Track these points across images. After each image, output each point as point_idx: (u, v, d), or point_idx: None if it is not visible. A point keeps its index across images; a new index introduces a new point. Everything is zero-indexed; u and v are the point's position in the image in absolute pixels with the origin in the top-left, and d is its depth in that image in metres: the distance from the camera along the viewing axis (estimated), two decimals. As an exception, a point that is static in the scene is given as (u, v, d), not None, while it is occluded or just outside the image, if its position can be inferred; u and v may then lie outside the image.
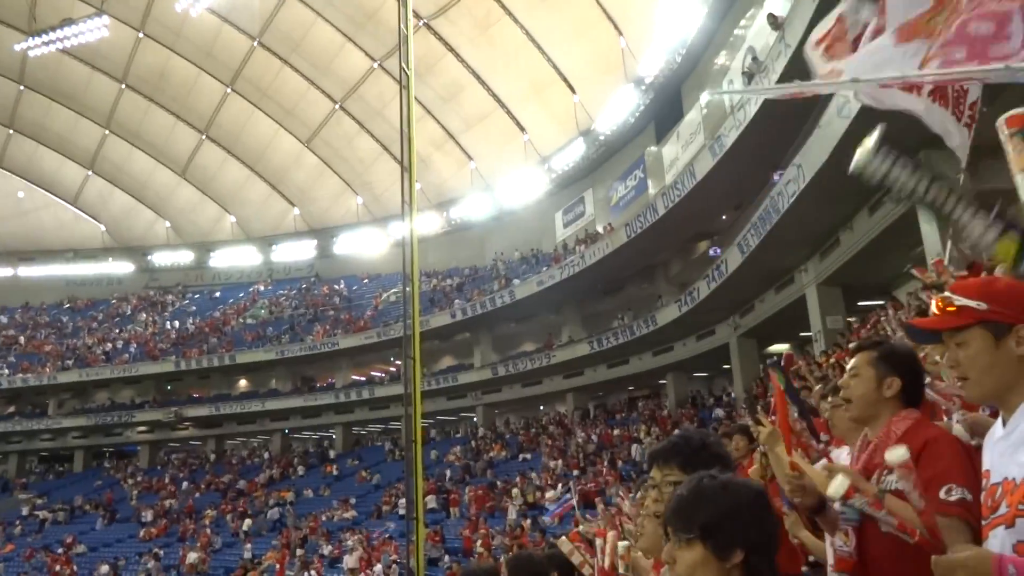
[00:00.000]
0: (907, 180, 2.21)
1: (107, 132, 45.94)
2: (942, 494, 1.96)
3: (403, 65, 14.69)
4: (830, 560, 3.08)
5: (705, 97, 25.44)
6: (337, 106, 41.19)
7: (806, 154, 15.63)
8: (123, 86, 43.30)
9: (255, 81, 41.31)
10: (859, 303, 19.44)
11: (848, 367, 2.56)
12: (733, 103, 18.87)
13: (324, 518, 27.62)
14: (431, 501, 24.48)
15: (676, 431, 2.86)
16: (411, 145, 16.07)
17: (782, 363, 3.43)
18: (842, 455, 3.20)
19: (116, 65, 42.16)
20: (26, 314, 48.18)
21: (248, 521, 28.81)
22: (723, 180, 20.44)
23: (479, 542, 20.68)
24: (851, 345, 2.75)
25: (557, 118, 35.54)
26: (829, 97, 14.57)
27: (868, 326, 14.74)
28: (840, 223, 17.16)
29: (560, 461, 25.85)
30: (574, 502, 9.70)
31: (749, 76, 19.61)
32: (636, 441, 24.64)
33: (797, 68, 15.61)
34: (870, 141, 2.34)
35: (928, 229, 13.54)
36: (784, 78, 15.99)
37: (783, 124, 17.09)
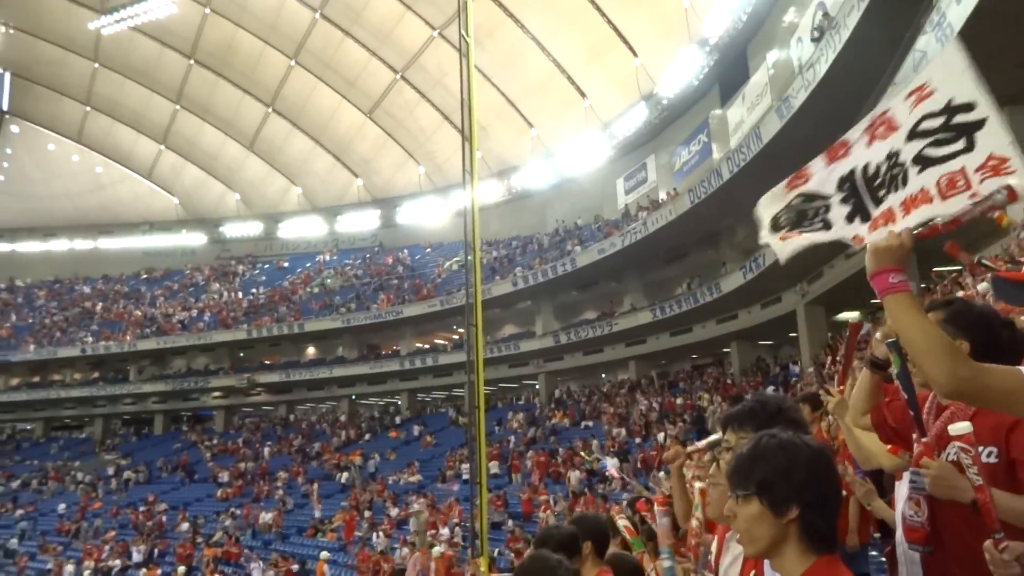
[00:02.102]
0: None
1: (178, 107, 47.25)
2: None
3: (463, 32, 14.65)
4: (900, 532, 3.03)
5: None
6: (398, 76, 41.37)
7: (879, 114, 14.99)
8: (192, 62, 44.35)
9: (318, 53, 41.78)
10: (934, 268, 18.74)
11: None
12: (802, 63, 18.22)
13: (390, 481, 28.36)
14: (494, 467, 24.86)
15: (749, 396, 2.84)
16: (471, 113, 16.06)
17: (878, 338, 3.28)
18: None
19: (184, 41, 43.19)
20: (106, 284, 50.36)
21: (318, 483, 29.79)
22: (791, 143, 19.80)
23: (541, 507, 20.95)
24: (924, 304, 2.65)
25: (618, 82, 34.95)
26: (903, 54, 13.96)
27: (944, 291, 14.21)
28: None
29: (623, 429, 25.87)
30: (613, 471, 9.81)
31: (820, 32, 18.87)
32: (699, 409, 24.47)
33: (871, 24, 14.96)
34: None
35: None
36: (857, 34, 15.36)
37: (855, 82, 16.43)
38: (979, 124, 2.19)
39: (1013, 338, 2.71)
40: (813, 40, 19.69)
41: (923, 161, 2.37)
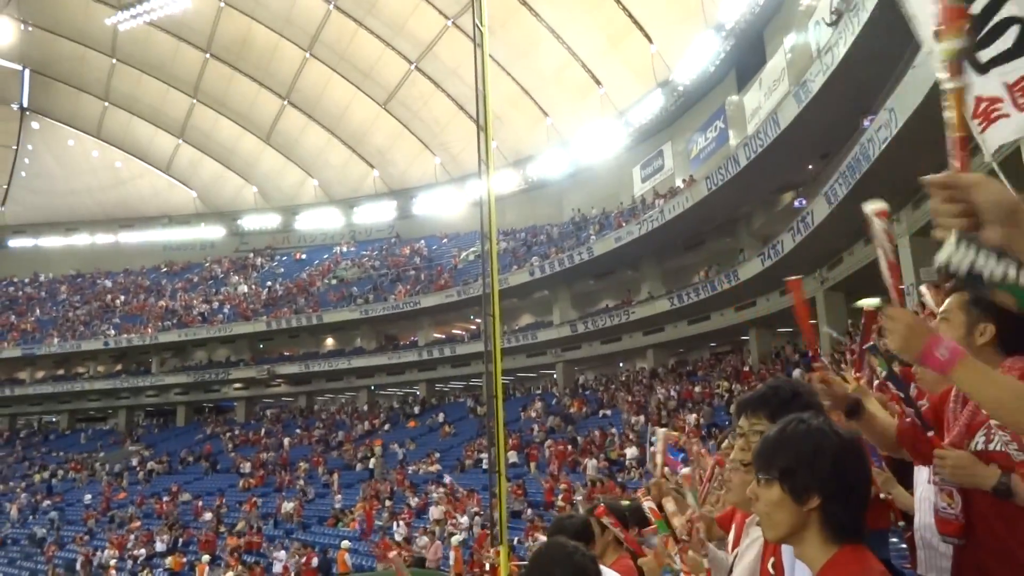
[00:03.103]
0: (995, 267, 2.05)
1: (194, 101, 47.53)
2: None
3: (476, 22, 14.60)
4: (918, 517, 3.01)
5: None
6: (412, 66, 41.36)
7: (900, 97, 14.81)
8: (207, 56, 44.58)
9: (332, 45, 41.84)
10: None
11: (940, 310, 2.40)
12: (820, 47, 18.03)
13: (410, 471, 28.54)
14: (512, 456, 24.95)
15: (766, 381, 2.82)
16: (486, 103, 16.02)
17: (879, 349, 3.25)
18: None
19: (200, 35, 43.40)
20: (127, 278, 50.91)
21: (338, 473, 30.04)
22: (809, 128, 19.64)
23: (560, 496, 21.02)
24: (946, 285, 2.58)
25: (634, 70, 34.73)
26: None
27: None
28: (937, 169, 16.13)
29: (641, 417, 25.85)
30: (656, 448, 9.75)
31: (837, 16, 18.64)
32: (718, 397, 24.39)
33: (890, 6, 14.74)
34: (952, 236, 2.18)
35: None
36: (876, 17, 15.16)
37: (874, 66, 16.24)
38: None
39: None
40: (831, 23, 19.47)
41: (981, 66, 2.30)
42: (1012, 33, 2.42)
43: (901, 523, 3.86)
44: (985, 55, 2.48)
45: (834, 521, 1.57)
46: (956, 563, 2.18)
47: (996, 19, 2.50)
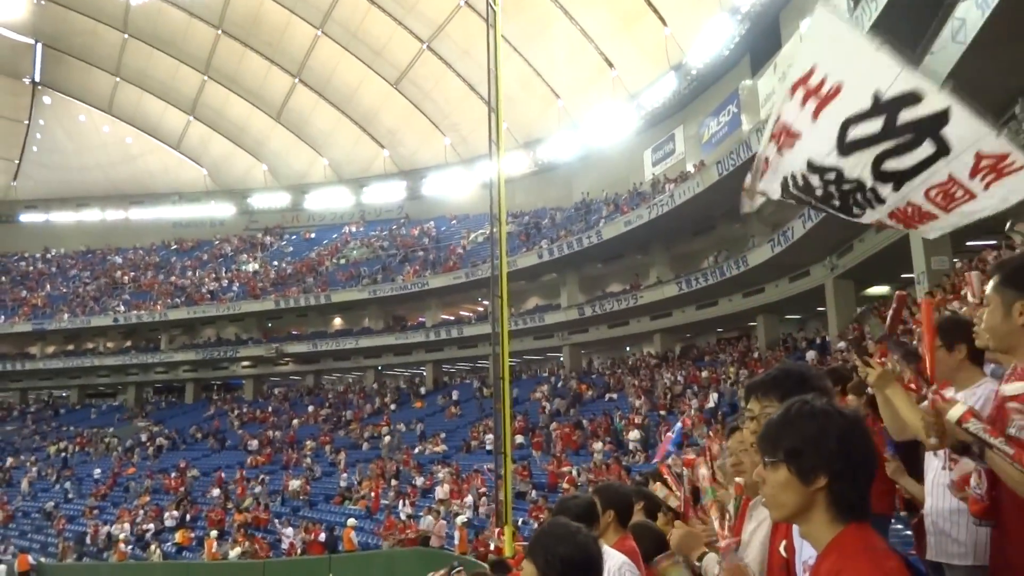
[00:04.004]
0: None
1: (206, 78, 47.46)
2: None
3: (489, 1, 14.48)
4: (929, 503, 3.01)
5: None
6: (424, 46, 41.13)
7: (915, 83, 14.62)
8: (219, 32, 44.45)
9: (344, 23, 41.63)
10: (968, 243, 18.38)
11: (984, 297, 2.37)
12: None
13: (416, 451, 28.70)
14: (518, 438, 25.04)
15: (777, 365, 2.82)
16: (498, 84, 15.94)
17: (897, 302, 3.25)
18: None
19: (212, 11, 43.25)
20: (137, 254, 51.12)
21: (345, 452, 30.23)
22: (823, 114, 19.43)
23: (565, 478, 21.11)
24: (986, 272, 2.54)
25: (647, 52, 34.44)
26: (944, 19, 13.59)
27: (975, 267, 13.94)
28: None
29: (647, 401, 25.89)
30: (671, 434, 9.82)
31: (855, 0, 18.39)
32: (724, 382, 24.37)
33: (908, -10, 14.56)
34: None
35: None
36: (893, 0, 14.95)
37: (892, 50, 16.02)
38: (940, 118, 1.88)
39: None
40: (849, 7, 19.21)
41: (890, 177, 2.09)
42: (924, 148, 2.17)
43: (904, 513, 3.86)
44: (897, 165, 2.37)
45: (841, 500, 1.59)
46: (994, 551, 2.15)
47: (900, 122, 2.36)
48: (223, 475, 30.67)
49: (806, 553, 1.95)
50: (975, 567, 2.61)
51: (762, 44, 28.06)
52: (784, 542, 2.15)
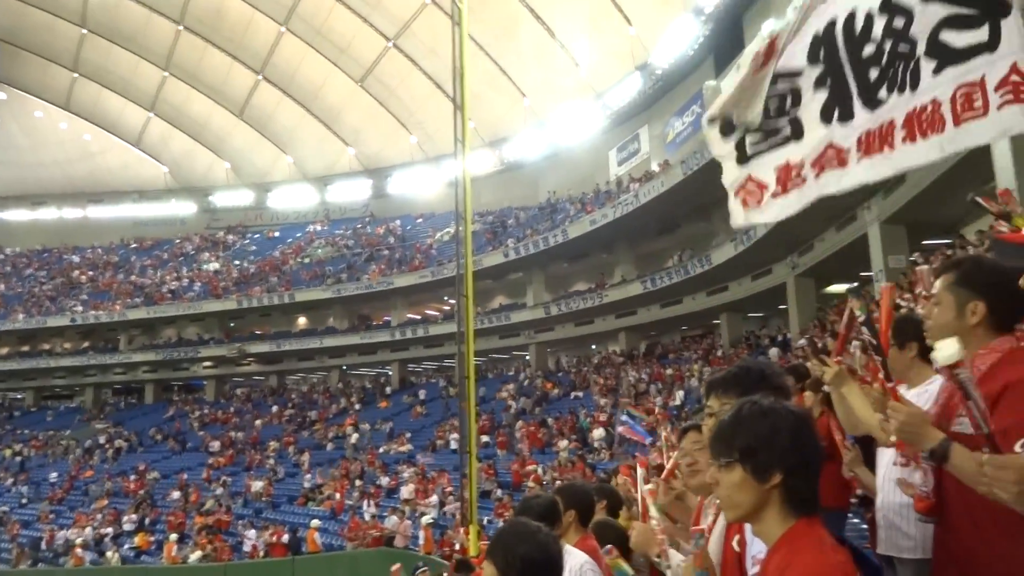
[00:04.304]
0: None
1: (166, 74, 46.62)
2: (1017, 447, 1.77)
3: (454, -1, 14.43)
4: (880, 497, 3.05)
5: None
6: (390, 44, 40.87)
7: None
8: (180, 27, 43.68)
9: (308, 19, 41.18)
10: (923, 242, 18.79)
11: (932, 293, 2.35)
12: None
13: (380, 451, 28.52)
14: (484, 437, 25.03)
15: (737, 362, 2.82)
16: (464, 82, 15.90)
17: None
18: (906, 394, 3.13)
19: (173, 6, 42.47)
20: (95, 253, 50.04)
21: (309, 453, 29.92)
22: (784, 115, 19.70)
23: (530, 477, 21.13)
24: (935, 267, 2.54)
25: (612, 52, 34.63)
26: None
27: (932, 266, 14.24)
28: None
29: (612, 399, 26.03)
30: (645, 440, 9.85)
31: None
32: (690, 379, 24.61)
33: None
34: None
35: (1003, 164, 12.90)
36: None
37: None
38: (1004, 6, 1.73)
39: None
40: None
41: (939, 52, 1.87)
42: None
43: (854, 500, 3.93)
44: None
45: (795, 495, 1.61)
46: (936, 546, 2.18)
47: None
48: (184, 477, 30.17)
49: (755, 548, 1.96)
50: (925, 560, 2.64)
51: (726, 45, 28.36)
52: (737, 537, 2.17)
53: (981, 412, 1.78)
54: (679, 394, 23.61)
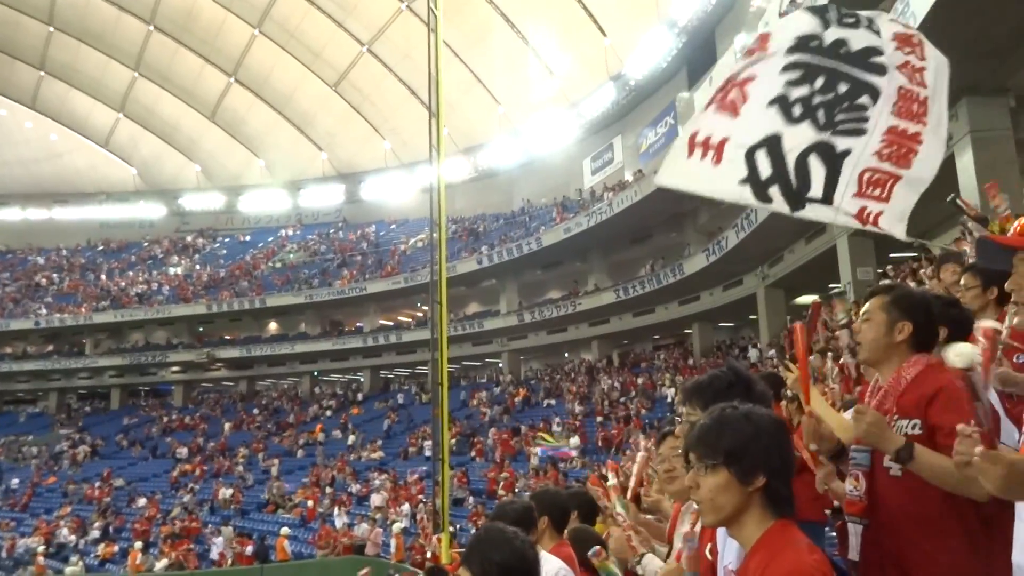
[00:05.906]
0: None
1: (136, 75, 45.99)
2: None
3: (431, 6, 14.42)
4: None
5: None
6: (364, 49, 40.75)
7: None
8: (151, 28, 43.14)
9: (282, 23, 40.92)
10: (891, 255, 19.13)
11: (862, 311, 2.58)
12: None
13: (352, 458, 28.30)
14: (456, 444, 24.95)
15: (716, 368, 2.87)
16: (439, 89, 15.88)
17: (811, 311, 3.51)
18: None
19: (144, 6, 41.95)
20: (61, 255, 49.11)
21: (278, 459, 29.59)
22: (756, 127, 19.97)
23: (502, 484, 21.12)
24: (868, 290, 2.77)
25: (587, 62, 34.86)
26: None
27: (900, 278, 14.52)
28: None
29: (585, 407, 26.12)
30: (571, 453, 9.94)
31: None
32: (662, 387, 24.79)
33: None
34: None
35: (965, 177, 13.22)
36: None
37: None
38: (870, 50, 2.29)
39: (962, 316, 2.84)
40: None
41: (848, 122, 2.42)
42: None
43: (828, 511, 4.02)
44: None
45: (775, 498, 1.65)
46: (861, 543, 2.29)
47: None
48: (150, 484, 29.67)
49: (727, 558, 2.00)
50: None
51: (699, 58, 28.72)
52: (709, 545, 2.20)
53: (986, 413, 1.97)
54: (647, 403, 23.76)
